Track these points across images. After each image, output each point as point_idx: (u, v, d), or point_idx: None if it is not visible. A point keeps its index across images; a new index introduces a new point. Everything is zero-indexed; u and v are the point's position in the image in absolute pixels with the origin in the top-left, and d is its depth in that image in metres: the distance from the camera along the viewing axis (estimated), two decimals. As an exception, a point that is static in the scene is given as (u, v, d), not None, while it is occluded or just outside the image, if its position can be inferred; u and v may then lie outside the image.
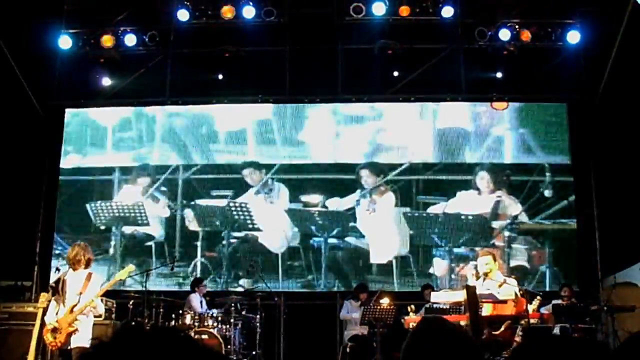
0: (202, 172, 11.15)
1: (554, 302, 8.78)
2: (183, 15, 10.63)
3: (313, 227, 10.83)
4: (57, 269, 7.81)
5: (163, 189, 11.12)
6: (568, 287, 9.31)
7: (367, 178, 10.92)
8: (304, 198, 10.96)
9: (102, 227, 11.01)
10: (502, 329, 6.61)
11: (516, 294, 6.69)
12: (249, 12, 10.57)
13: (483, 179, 10.79)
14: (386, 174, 10.90)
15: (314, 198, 10.95)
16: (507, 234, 10.62)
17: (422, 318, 2.27)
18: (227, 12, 10.54)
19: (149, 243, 10.92)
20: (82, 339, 6.20)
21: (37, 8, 10.22)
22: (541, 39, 10.65)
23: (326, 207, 10.86)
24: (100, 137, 11.35)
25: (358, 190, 10.88)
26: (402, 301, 8.79)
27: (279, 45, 11.12)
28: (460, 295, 6.64)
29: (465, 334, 2.21)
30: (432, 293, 7.66)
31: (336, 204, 10.87)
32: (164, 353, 1.56)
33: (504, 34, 10.53)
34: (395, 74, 11.05)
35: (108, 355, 1.56)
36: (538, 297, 6.85)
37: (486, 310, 6.73)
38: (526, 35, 10.56)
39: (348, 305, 9.68)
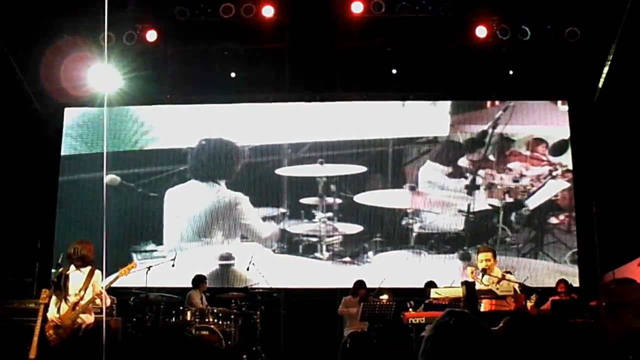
0: (201, 170, 11.18)
1: (552, 298, 8.83)
2: (182, 12, 10.65)
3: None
4: (59, 265, 7.84)
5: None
6: (563, 283, 9.36)
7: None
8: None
9: (102, 225, 11.04)
10: (501, 324, 6.64)
11: (515, 290, 6.74)
12: (248, 10, 10.58)
13: (479, 177, 10.84)
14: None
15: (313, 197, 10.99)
16: (506, 230, 10.66)
17: (447, 310, 2.29)
18: (227, 10, 10.56)
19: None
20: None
21: (37, 8, 10.23)
22: (540, 37, 10.66)
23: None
24: (100, 135, 11.37)
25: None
26: (401, 297, 8.83)
27: (278, 43, 11.14)
28: (459, 291, 6.69)
29: (489, 329, 2.24)
30: (431, 289, 7.69)
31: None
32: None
33: (503, 32, 10.55)
34: (394, 72, 11.07)
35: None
36: (535, 295, 6.88)
37: (485, 306, 6.78)
38: (525, 34, 10.57)
39: (347, 301, 9.72)
